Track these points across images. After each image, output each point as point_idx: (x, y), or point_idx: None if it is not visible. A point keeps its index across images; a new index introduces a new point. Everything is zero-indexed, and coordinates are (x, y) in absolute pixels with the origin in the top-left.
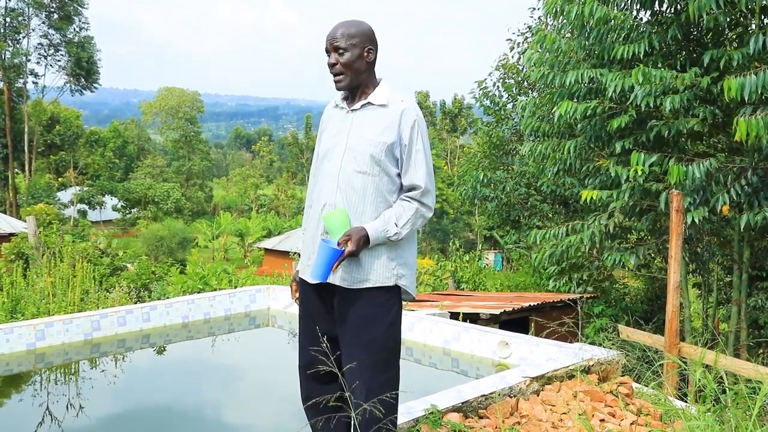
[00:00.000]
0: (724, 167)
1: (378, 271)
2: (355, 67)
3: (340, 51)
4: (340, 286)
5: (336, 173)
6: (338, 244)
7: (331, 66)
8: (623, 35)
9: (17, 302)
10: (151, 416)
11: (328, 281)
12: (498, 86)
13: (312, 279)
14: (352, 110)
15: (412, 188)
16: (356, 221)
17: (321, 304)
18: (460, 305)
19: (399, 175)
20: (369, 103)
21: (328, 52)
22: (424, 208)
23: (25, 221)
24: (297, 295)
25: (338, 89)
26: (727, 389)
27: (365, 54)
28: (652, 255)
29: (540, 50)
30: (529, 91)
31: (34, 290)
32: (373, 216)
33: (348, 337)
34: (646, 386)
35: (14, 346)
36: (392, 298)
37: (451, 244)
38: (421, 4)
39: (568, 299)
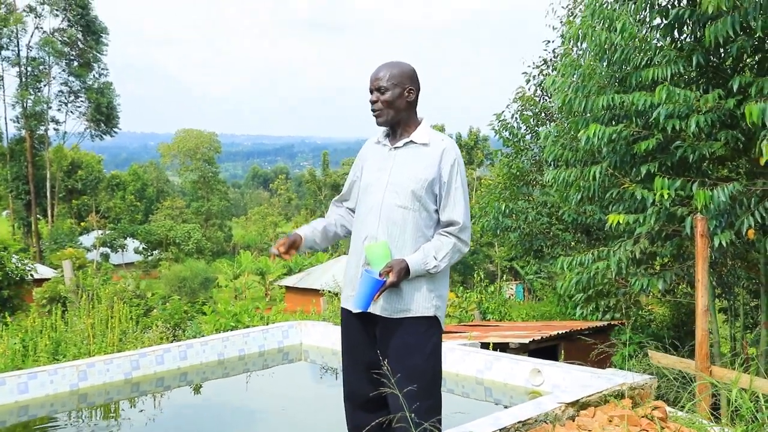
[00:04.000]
0: (747, 190)
1: (419, 302)
2: (395, 105)
3: (382, 89)
4: (381, 315)
5: (378, 207)
6: (380, 275)
7: (372, 103)
8: (646, 59)
9: (58, 344)
10: None
11: (369, 311)
12: (516, 118)
13: (355, 308)
14: (395, 147)
15: (450, 224)
16: (397, 253)
17: (364, 333)
18: (489, 335)
19: (437, 210)
20: (411, 141)
21: (371, 91)
22: (462, 243)
23: (51, 266)
24: (282, 249)
25: (378, 125)
26: (759, 409)
27: (406, 93)
28: (677, 281)
29: (563, 76)
30: (548, 122)
31: (74, 332)
32: (413, 249)
33: (390, 366)
34: (680, 410)
35: (58, 387)
36: (432, 327)
37: (475, 275)
38: (432, 42)
39: (596, 326)
